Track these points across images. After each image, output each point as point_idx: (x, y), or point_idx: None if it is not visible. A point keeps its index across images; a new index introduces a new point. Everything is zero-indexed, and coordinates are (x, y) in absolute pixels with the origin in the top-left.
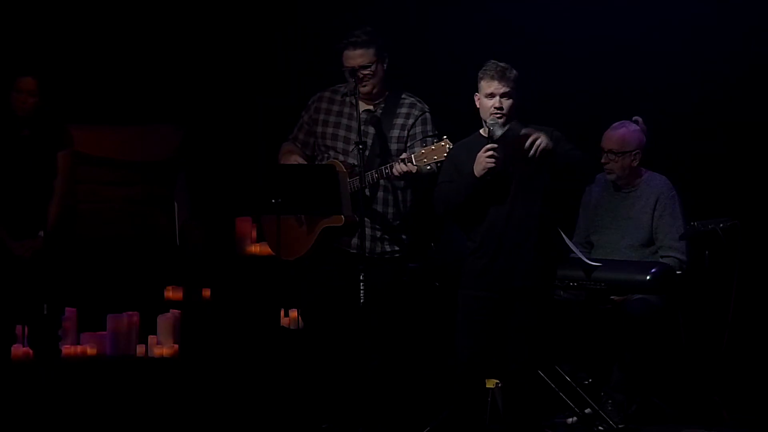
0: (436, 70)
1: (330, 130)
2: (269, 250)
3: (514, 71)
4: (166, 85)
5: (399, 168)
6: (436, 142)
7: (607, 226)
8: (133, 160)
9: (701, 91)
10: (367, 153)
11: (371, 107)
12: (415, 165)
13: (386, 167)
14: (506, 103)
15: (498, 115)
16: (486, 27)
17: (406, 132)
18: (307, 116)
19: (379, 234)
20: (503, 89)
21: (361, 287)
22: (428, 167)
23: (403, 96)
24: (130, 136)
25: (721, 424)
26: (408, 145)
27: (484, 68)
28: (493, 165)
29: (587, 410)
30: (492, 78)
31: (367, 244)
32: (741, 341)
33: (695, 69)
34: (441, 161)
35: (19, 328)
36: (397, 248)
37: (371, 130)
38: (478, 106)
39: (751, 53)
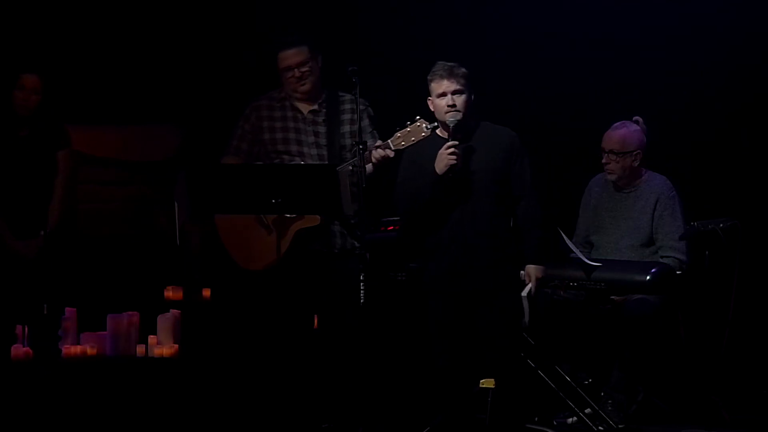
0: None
1: (279, 135)
2: None
3: (463, 68)
4: (166, 85)
5: (377, 154)
6: (410, 124)
7: (607, 227)
8: (133, 160)
9: (701, 91)
10: (325, 153)
11: (315, 107)
12: (393, 149)
13: (362, 156)
14: (459, 99)
15: (452, 112)
16: (485, 27)
17: (356, 126)
18: (248, 125)
19: (341, 231)
20: (454, 86)
21: (362, 287)
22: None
23: (340, 93)
24: (130, 136)
25: (721, 424)
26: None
27: (432, 70)
28: (454, 162)
29: (587, 410)
30: (441, 77)
31: (338, 241)
32: (741, 341)
33: (695, 69)
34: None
35: (19, 327)
36: (357, 244)
37: (322, 129)
38: (432, 109)
39: (751, 53)
